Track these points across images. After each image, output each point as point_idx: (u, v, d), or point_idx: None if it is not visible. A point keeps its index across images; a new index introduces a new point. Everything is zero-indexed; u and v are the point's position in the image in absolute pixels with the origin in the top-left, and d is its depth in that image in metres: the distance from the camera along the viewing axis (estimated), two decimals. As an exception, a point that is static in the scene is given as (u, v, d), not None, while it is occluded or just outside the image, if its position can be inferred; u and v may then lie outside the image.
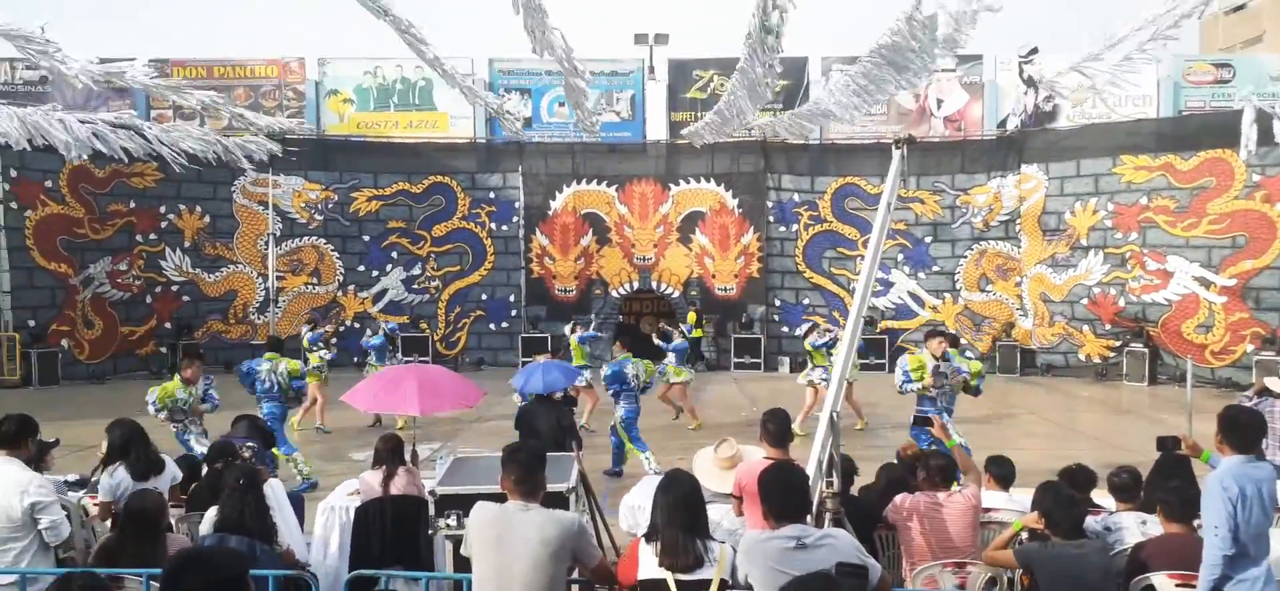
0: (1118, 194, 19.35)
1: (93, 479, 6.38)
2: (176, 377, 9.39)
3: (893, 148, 6.67)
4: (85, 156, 12.77)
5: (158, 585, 2.81)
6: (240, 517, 4.97)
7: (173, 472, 6.32)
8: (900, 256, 21.35)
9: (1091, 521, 5.44)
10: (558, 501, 5.18)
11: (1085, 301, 19.77)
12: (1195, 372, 13.72)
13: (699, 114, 19.85)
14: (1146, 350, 18.69)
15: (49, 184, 18.71)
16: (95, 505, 6.04)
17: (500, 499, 4.14)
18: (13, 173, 18.20)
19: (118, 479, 5.91)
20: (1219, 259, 18.12)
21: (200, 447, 8.59)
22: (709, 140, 17.39)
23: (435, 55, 10.52)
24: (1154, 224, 18.84)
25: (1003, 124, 21.12)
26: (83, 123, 11.75)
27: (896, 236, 20.93)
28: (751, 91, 10.72)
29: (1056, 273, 20.17)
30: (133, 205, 20.21)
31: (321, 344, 14.26)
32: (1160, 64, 19.08)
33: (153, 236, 20.51)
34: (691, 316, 20.46)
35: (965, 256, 21.31)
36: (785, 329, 21.36)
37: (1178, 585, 4.71)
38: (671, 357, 13.77)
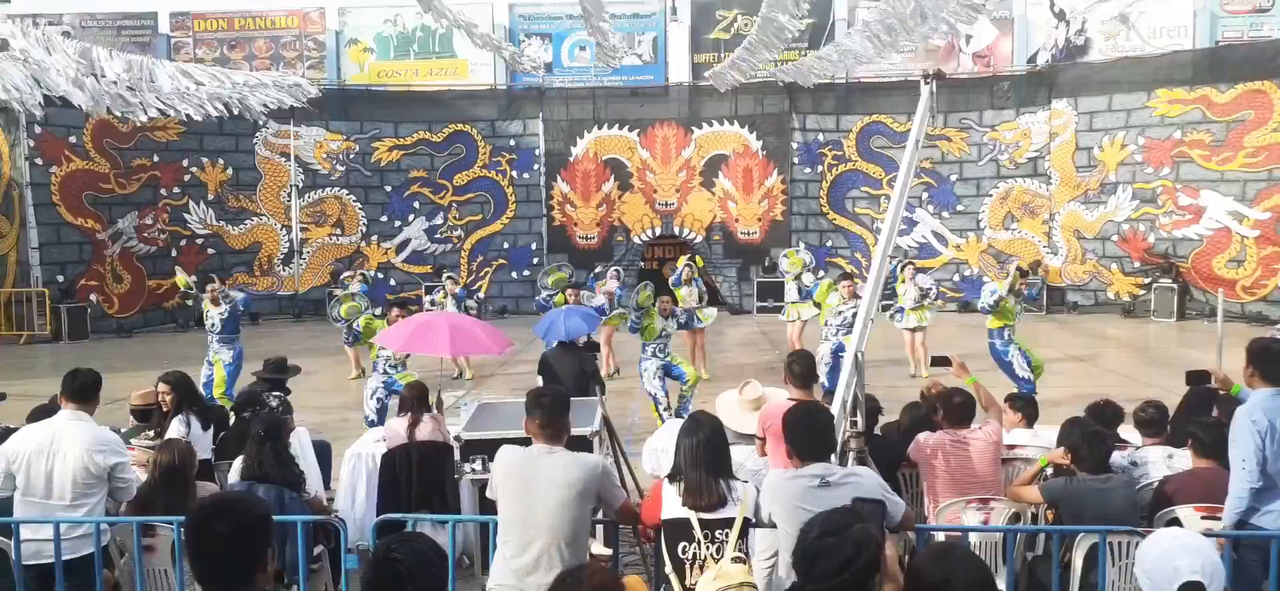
0: (1149, 128, 18.97)
1: (161, 429, 6.47)
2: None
3: (922, 83, 6.54)
4: (115, 111, 12.78)
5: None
6: (261, 466, 5.04)
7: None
8: (925, 195, 21.09)
9: (1118, 456, 5.40)
10: (582, 445, 5.20)
11: (1115, 238, 19.50)
12: (1225, 307, 13.53)
13: (722, 56, 19.62)
14: (1176, 286, 18.44)
15: (73, 140, 18.82)
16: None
17: (525, 443, 4.17)
18: (36, 129, 18.30)
19: (194, 428, 6.08)
20: (1254, 192, 17.77)
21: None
22: (734, 81, 17.15)
23: (454, 15, 10.44)
24: (1188, 158, 18.47)
25: (1033, 59, 20.71)
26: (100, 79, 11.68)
27: (922, 175, 20.67)
28: (778, 33, 10.53)
29: (1088, 210, 19.88)
30: (156, 159, 20.31)
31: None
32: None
33: (176, 190, 20.64)
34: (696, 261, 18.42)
35: (991, 195, 21.03)
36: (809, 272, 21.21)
37: (1203, 517, 4.68)
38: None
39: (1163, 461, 5.30)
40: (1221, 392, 6.05)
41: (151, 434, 6.39)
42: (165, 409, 6.30)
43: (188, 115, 13.79)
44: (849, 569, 2.55)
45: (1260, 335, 5.16)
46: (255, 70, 19.85)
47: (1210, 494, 4.70)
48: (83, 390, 5.06)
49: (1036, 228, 20.79)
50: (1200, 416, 5.62)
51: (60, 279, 18.69)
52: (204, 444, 6.19)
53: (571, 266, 19.32)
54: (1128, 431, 6.10)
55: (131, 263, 19.90)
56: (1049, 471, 5.26)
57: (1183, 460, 5.20)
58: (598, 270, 16.81)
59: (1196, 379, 6.20)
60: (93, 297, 19.10)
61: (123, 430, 6.79)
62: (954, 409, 5.52)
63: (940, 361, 6.15)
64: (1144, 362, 14.18)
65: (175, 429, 6.08)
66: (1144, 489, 5.20)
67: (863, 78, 20.85)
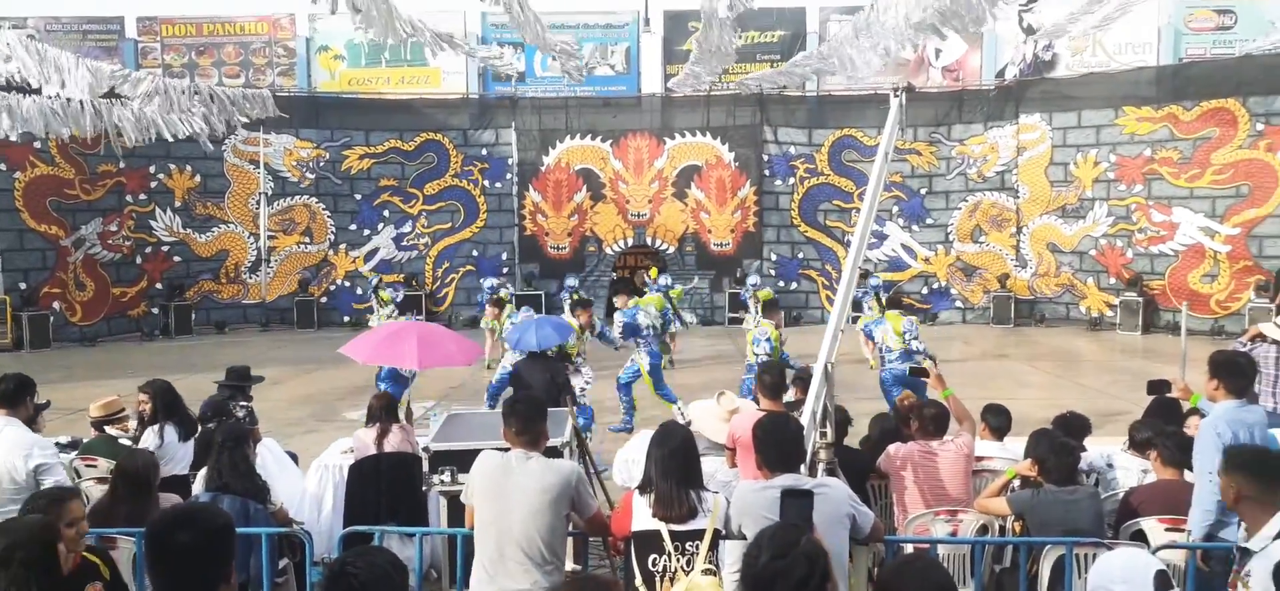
0: (1120, 146, 19.27)
1: (136, 437, 6.38)
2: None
3: (891, 96, 6.60)
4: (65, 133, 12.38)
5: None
6: (221, 477, 4.98)
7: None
8: (895, 209, 21.26)
9: (1095, 455, 5.45)
10: (552, 455, 5.17)
11: (1093, 252, 19.76)
12: (1190, 322, 13.66)
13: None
14: (1141, 300, 18.72)
15: (37, 145, 18.48)
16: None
17: (505, 451, 4.16)
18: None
19: (170, 438, 6.03)
20: (1223, 209, 18.09)
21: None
22: (702, 81, 17.06)
23: (429, 30, 10.35)
24: (1158, 175, 18.78)
25: (1001, 73, 20.95)
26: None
27: (892, 188, 20.85)
28: (721, 32, 10.46)
29: (1066, 223, 20.14)
30: (122, 165, 20.01)
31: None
32: (1160, 10, 18.94)
33: (143, 197, 20.35)
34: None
35: (959, 208, 21.24)
36: (781, 283, 21.32)
37: (1168, 529, 4.73)
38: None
39: (1137, 471, 5.36)
40: (1182, 403, 6.14)
41: (127, 440, 6.31)
42: (144, 417, 6.21)
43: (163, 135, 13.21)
44: (807, 585, 2.52)
45: (1222, 347, 5.23)
46: (224, 78, 19.66)
47: (1175, 505, 4.76)
48: (7, 396, 5.05)
49: (1004, 241, 21.01)
50: (1163, 426, 5.69)
51: (22, 286, 18.36)
52: (181, 456, 6.10)
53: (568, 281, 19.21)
54: (1094, 442, 6.17)
55: (95, 270, 19.58)
56: (1016, 483, 5.30)
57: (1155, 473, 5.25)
58: (570, 282, 16.74)
59: (1157, 388, 6.27)
60: (56, 305, 18.77)
61: (83, 441, 6.69)
62: (928, 420, 5.56)
63: (918, 372, 6.19)
64: (1110, 375, 14.36)
65: (146, 439, 5.99)
66: (1109, 499, 5.26)
67: (833, 91, 21.01)
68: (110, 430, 6.53)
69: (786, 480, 3.75)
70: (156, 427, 6.06)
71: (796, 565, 2.52)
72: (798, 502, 3.34)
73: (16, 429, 4.92)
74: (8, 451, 4.79)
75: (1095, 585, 2.69)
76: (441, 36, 11.07)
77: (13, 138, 11.37)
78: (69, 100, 10.53)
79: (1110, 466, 5.47)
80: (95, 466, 6.24)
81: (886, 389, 9.98)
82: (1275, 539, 3.29)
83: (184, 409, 6.33)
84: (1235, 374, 4.62)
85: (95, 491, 5.89)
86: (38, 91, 10.42)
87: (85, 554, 3.79)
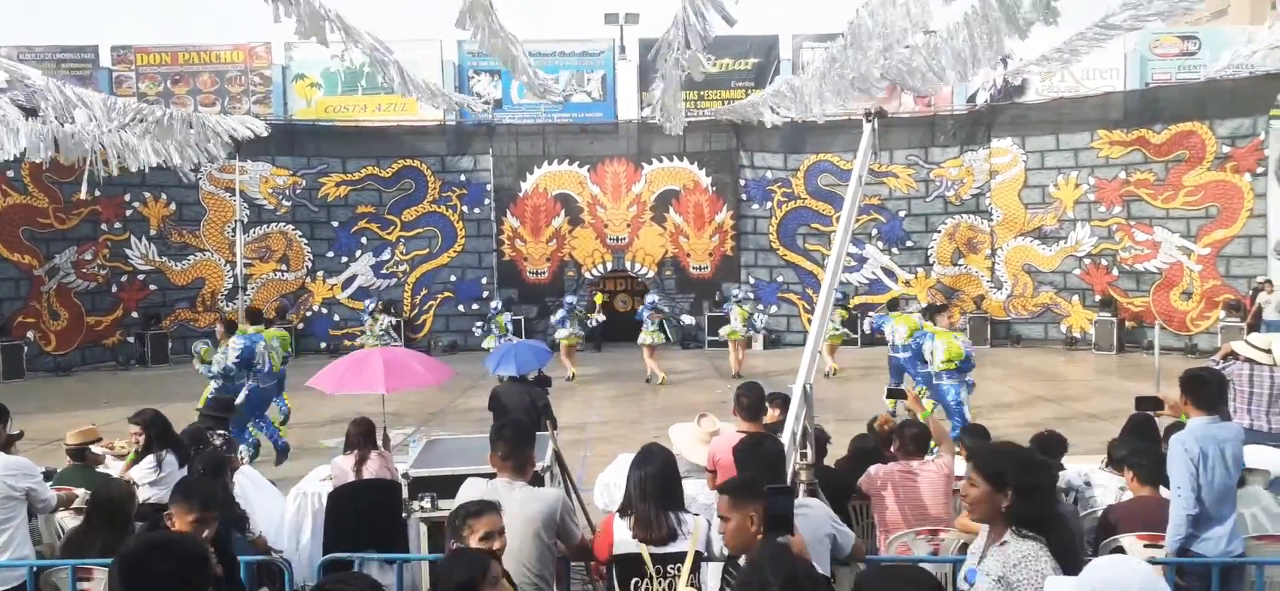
0: (1098, 168, 19.57)
1: (124, 472, 6.31)
2: None
3: (863, 121, 6.68)
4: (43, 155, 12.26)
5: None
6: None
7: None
8: (874, 231, 21.40)
9: (1072, 474, 5.49)
10: (533, 480, 5.17)
11: (1078, 272, 19.99)
12: (1165, 340, 13.83)
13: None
14: (1114, 319, 18.97)
15: (10, 174, 18.33)
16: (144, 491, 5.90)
17: (489, 477, 4.16)
18: (-29, 163, 17.80)
19: (170, 464, 6.00)
20: (1196, 229, 18.43)
21: None
22: (679, 120, 17.30)
23: (405, 76, 10.39)
24: (1137, 196, 19.10)
25: (972, 98, 21.21)
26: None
27: (871, 211, 21.01)
28: (677, 63, 10.54)
29: (1045, 245, 20.36)
30: (97, 194, 19.81)
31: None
32: (1127, 37, 19.26)
33: (118, 225, 20.19)
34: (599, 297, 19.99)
35: (939, 231, 21.41)
36: (759, 307, 21.37)
37: (1146, 545, 4.77)
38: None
39: (1115, 489, 5.40)
40: (1171, 420, 6.18)
41: (110, 469, 6.26)
42: (139, 448, 6.15)
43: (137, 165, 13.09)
44: None
45: (1194, 366, 5.30)
46: (200, 107, 19.56)
47: (1153, 522, 4.80)
48: None
49: (980, 263, 21.22)
50: (1139, 442, 5.75)
51: (-1, 314, 18.13)
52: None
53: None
54: (1071, 461, 6.22)
55: (69, 299, 19.38)
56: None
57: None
58: (568, 299, 17.50)
59: (1146, 404, 6.30)
60: (30, 335, 18.54)
61: (57, 470, 6.61)
62: (908, 439, 5.59)
63: (896, 394, 6.22)
64: (1087, 395, 14.49)
65: (144, 467, 5.92)
66: (1088, 517, 5.30)
67: (808, 116, 21.12)
68: (97, 448, 6.48)
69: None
70: (153, 456, 6.00)
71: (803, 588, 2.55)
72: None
73: None
74: None
75: (1101, 585, 2.60)
76: (414, 84, 11.14)
77: (14, 153, 11.26)
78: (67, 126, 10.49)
79: (1088, 485, 5.52)
80: (73, 496, 6.17)
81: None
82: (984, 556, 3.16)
83: (175, 435, 6.28)
84: (1200, 389, 4.68)
85: (70, 521, 5.82)
86: (34, 113, 10.42)
87: None
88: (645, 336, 16.35)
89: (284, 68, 21.54)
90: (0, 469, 4.88)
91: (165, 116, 11.08)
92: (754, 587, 2.60)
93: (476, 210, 21.85)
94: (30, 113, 10.77)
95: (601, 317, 18.36)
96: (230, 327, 11.30)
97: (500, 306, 18.98)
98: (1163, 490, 4.99)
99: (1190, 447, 4.50)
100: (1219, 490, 4.51)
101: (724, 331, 17.36)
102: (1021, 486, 3.12)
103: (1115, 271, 19.54)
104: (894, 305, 14.55)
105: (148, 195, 20.43)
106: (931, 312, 11.75)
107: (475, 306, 21.44)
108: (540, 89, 12.98)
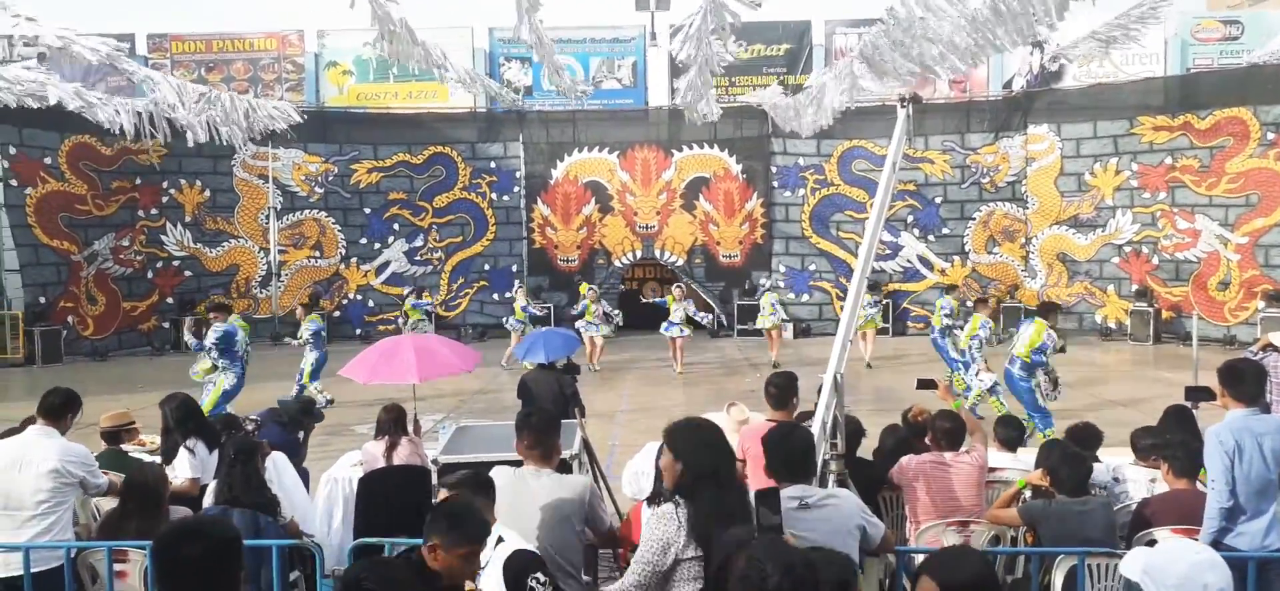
0: (1140, 154, 19.23)
1: (155, 456, 6.38)
2: None
3: (898, 106, 6.59)
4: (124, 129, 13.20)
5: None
6: (232, 491, 4.98)
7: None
8: (910, 218, 21.18)
9: (1100, 470, 5.42)
10: (562, 468, 5.18)
11: (1116, 260, 19.70)
12: (1204, 330, 13.58)
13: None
14: (1151, 309, 18.66)
15: (48, 160, 18.63)
16: (183, 482, 5.98)
17: (511, 465, 4.16)
18: (11, 149, 18.12)
19: (201, 453, 6.00)
20: (1235, 217, 18.06)
21: None
22: (708, 111, 17.32)
23: (440, 56, 10.55)
24: (1181, 183, 18.76)
25: (1008, 84, 20.92)
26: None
27: (906, 198, 20.79)
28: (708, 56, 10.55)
29: (1080, 233, 20.08)
30: (138, 181, 20.18)
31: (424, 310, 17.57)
32: (1167, 22, 18.90)
33: (154, 211, 20.48)
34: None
35: (974, 218, 21.16)
36: (791, 295, 21.28)
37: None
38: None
39: (1145, 483, 5.32)
40: (1193, 413, 6.09)
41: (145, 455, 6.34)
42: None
43: (171, 136, 13.73)
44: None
45: (1231, 357, 5.20)
46: (233, 92, 19.75)
47: (1188, 515, 4.71)
48: (52, 409, 5.17)
49: (1015, 251, 20.96)
50: (1177, 435, 5.65)
51: (42, 300, 18.44)
52: (210, 467, 6.07)
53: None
54: (1106, 453, 6.13)
55: (107, 285, 19.68)
56: (1027, 493, 5.27)
57: (1164, 485, 5.21)
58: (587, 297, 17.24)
59: (1196, 395, 6.19)
60: (69, 320, 18.86)
61: (94, 454, 6.71)
62: (943, 432, 5.53)
63: (926, 384, 6.14)
64: (1123, 385, 14.29)
65: (182, 465, 5.98)
66: (1122, 510, 5.22)
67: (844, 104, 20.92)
68: (126, 446, 6.55)
69: (794, 491, 3.74)
70: (184, 449, 6.04)
71: (806, 581, 2.52)
72: (768, 502, 3.30)
73: (52, 439, 5.02)
74: (53, 458, 4.87)
75: (1180, 580, 2.43)
76: (455, 71, 11.61)
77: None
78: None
79: (1118, 481, 5.43)
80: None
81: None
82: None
83: (205, 421, 6.34)
84: (1238, 380, 4.58)
85: (105, 505, 5.91)
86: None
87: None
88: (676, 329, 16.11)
89: (316, 55, 21.72)
90: (62, 455, 4.93)
91: (216, 98, 11.86)
92: (754, 581, 2.57)
93: (506, 198, 21.91)
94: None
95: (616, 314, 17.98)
96: (313, 303, 12.77)
97: (411, 291, 18.99)
98: (1199, 484, 4.91)
99: (1225, 440, 4.41)
100: (1257, 483, 4.42)
101: (759, 321, 17.34)
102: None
103: (1156, 260, 19.22)
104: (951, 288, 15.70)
105: (184, 182, 20.69)
106: (977, 305, 12.65)
107: (508, 295, 21.45)
108: (567, 87, 13.40)
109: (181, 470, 5.95)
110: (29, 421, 5.86)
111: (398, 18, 8.28)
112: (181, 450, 6.02)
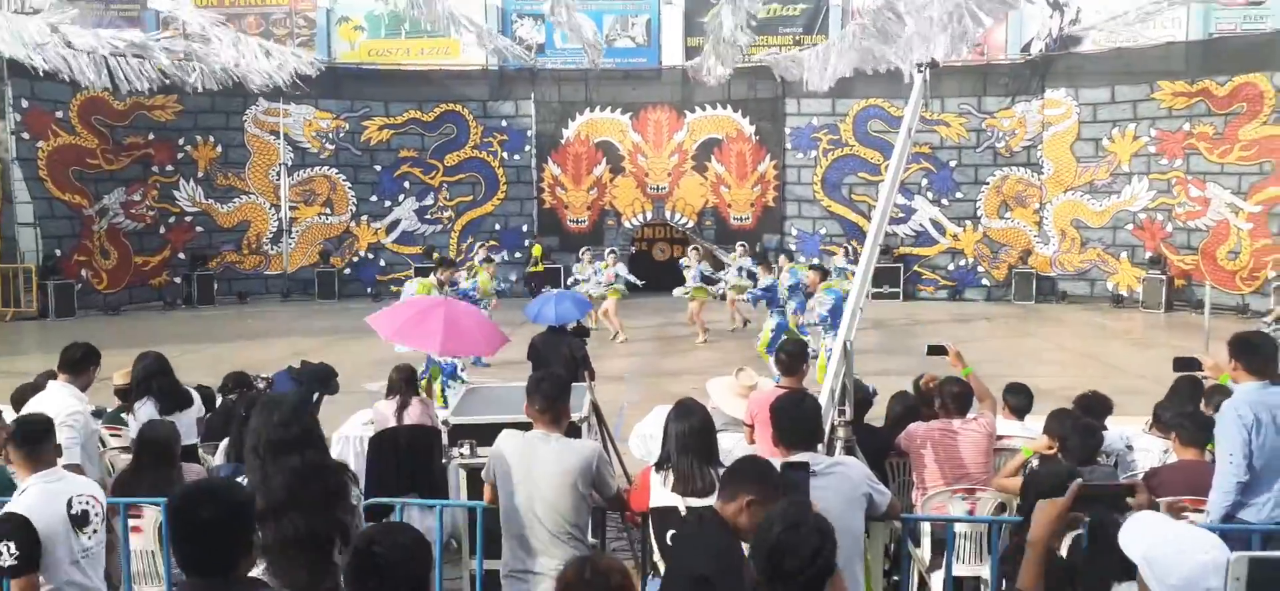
0: (1159, 120, 19.03)
1: (123, 415, 6.39)
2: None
3: (914, 71, 6.53)
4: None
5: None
6: (241, 449, 5.02)
7: (199, 408, 6.31)
8: (924, 181, 21.02)
9: (1114, 437, 5.41)
10: (571, 431, 5.20)
11: (1130, 227, 19.57)
12: (1217, 299, 13.50)
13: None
14: (1164, 277, 18.55)
15: (60, 114, 18.64)
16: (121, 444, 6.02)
17: (520, 427, 4.18)
18: (24, 103, 18.13)
19: (144, 414, 5.77)
20: (1248, 185, 17.89)
21: None
22: (721, 73, 17.22)
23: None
24: (1196, 150, 18.59)
25: (1027, 47, 20.66)
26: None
27: (920, 160, 20.63)
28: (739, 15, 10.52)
29: (1095, 199, 19.93)
30: (151, 137, 20.20)
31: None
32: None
33: (169, 168, 20.51)
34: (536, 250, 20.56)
35: (988, 182, 21.00)
36: (802, 258, 21.18)
37: (1187, 510, 4.69)
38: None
39: (1160, 453, 5.31)
40: (1211, 380, 6.06)
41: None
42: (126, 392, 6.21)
43: (186, 93, 13.84)
44: (819, 558, 2.55)
45: (1243, 328, 5.16)
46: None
47: (1196, 486, 4.72)
48: (73, 363, 5.20)
49: (1028, 217, 20.83)
50: (1186, 406, 5.63)
51: (58, 253, 18.53)
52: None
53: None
54: (1115, 422, 6.12)
55: (118, 239, 19.77)
56: (1034, 461, 5.28)
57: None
58: (597, 253, 17.05)
59: (1184, 365, 6.16)
60: (83, 273, 18.96)
61: (108, 410, 6.77)
62: (950, 398, 5.53)
63: (936, 350, 6.12)
64: (1133, 353, 14.24)
65: (131, 421, 5.92)
66: (1128, 477, 5.22)
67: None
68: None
69: (803, 457, 3.75)
70: (137, 404, 5.93)
71: (809, 538, 2.56)
72: (795, 474, 3.33)
73: (66, 394, 5.07)
74: (58, 415, 4.90)
75: (1184, 579, 2.29)
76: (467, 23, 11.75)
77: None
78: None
79: (1130, 448, 5.42)
80: (119, 435, 6.31)
81: None
82: None
83: (164, 382, 6.01)
84: (1251, 353, 4.56)
85: (119, 460, 5.97)
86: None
87: None
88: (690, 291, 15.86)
89: (328, 10, 21.61)
90: (59, 408, 4.96)
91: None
92: (764, 529, 2.66)
93: (516, 156, 21.84)
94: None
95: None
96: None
97: (482, 248, 18.08)
98: (1206, 454, 4.90)
99: (1244, 414, 4.39)
100: (1270, 457, 4.42)
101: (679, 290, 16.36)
102: None
103: (1170, 227, 19.08)
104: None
105: (198, 138, 20.70)
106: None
107: (518, 255, 21.47)
108: (589, 44, 13.60)
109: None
110: (49, 375, 5.92)
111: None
112: (139, 405, 5.94)
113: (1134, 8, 11.17)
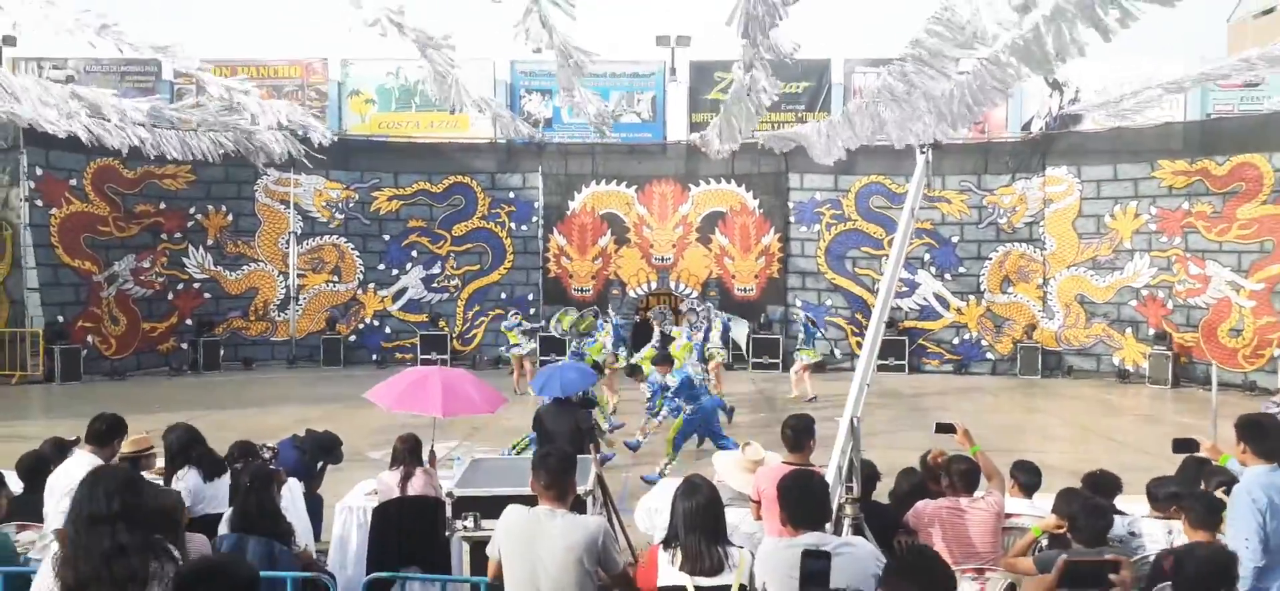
0: (1160, 198, 19.21)
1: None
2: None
3: (918, 152, 6.62)
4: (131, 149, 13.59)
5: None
6: (246, 519, 5.00)
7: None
8: (927, 256, 21.14)
9: (1118, 525, 5.36)
10: (576, 503, 5.18)
11: (1134, 304, 19.61)
12: (1222, 376, 13.40)
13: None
14: (1170, 353, 18.52)
15: (73, 182, 18.89)
16: None
17: (524, 501, 4.17)
18: (38, 170, 18.39)
19: (191, 482, 5.93)
20: (1248, 263, 17.98)
21: None
22: (723, 148, 17.44)
23: (456, 79, 10.69)
24: (1194, 228, 18.73)
25: (1027, 126, 20.91)
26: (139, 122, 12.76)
27: (923, 236, 20.76)
28: (749, 115, 10.69)
29: (1098, 275, 20.01)
30: (162, 205, 20.42)
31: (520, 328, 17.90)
32: (1188, 67, 18.84)
33: (177, 235, 20.69)
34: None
35: (990, 258, 21.10)
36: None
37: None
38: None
39: (1163, 536, 5.26)
40: (1212, 462, 6.02)
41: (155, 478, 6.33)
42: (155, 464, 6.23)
43: (199, 163, 14.08)
44: None
45: (1250, 410, 5.14)
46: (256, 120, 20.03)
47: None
48: (98, 435, 5.35)
49: (1031, 292, 20.87)
50: (1191, 488, 5.59)
51: (61, 319, 18.63)
52: (205, 496, 6.06)
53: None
54: (1123, 501, 6.06)
55: (127, 305, 19.86)
56: (1044, 541, 5.23)
57: (1182, 536, 5.15)
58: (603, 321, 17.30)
59: (1184, 446, 6.13)
60: (90, 339, 19.03)
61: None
62: (958, 476, 5.50)
63: (944, 428, 6.11)
64: (1140, 430, 14.16)
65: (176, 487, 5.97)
66: (1140, 562, 5.16)
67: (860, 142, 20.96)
68: (145, 473, 6.57)
69: (810, 539, 3.73)
70: (178, 473, 6.03)
71: None
72: (816, 563, 3.33)
73: (88, 466, 5.07)
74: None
75: None
76: (481, 102, 11.98)
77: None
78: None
79: (1135, 534, 5.36)
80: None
81: None
82: None
83: (203, 449, 6.19)
84: (1261, 436, 4.55)
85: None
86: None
87: None
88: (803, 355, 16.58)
89: (340, 84, 21.95)
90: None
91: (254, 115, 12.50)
92: None
93: (524, 227, 22.03)
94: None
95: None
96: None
97: (516, 318, 18.68)
98: (1218, 536, 4.85)
99: (1258, 498, 4.37)
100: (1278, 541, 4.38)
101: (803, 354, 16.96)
102: None
103: (1171, 304, 19.12)
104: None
105: (210, 207, 20.93)
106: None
107: (524, 325, 21.44)
108: (598, 118, 13.80)
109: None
110: (55, 442, 5.95)
111: (443, 64, 8.42)
112: (174, 480, 6.01)
113: (1129, 93, 11.34)
